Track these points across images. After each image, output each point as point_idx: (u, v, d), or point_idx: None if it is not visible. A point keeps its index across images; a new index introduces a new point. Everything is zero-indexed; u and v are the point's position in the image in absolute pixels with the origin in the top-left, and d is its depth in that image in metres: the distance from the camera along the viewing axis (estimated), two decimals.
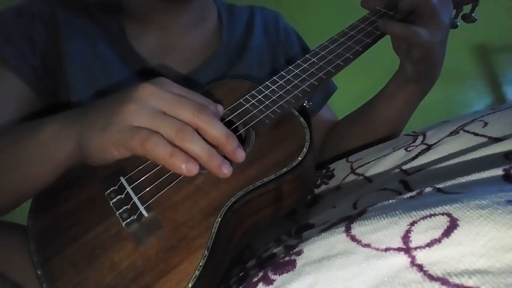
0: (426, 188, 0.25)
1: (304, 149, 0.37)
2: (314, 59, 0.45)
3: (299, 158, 0.36)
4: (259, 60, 0.56)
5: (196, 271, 0.31)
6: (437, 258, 0.18)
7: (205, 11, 0.57)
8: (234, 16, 0.60)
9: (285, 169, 0.36)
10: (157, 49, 0.52)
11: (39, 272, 0.33)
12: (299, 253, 0.24)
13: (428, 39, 0.41)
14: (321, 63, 0.44)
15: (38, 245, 0.34)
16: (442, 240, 0.19)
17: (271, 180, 0.35)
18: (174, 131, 0.31)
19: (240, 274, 0.30)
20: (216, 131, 0.32)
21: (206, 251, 0.31)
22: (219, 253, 0.33)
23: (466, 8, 0.50)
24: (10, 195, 0.37)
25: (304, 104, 0.44)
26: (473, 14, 0.49)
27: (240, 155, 0.33)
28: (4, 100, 0.45)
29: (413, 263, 0.19)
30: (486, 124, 0.32)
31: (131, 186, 0.36)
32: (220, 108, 0.36)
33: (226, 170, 0.32)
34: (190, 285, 0.30)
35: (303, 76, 0.43)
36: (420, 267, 0.19)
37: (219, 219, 0.33)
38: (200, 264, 0.31)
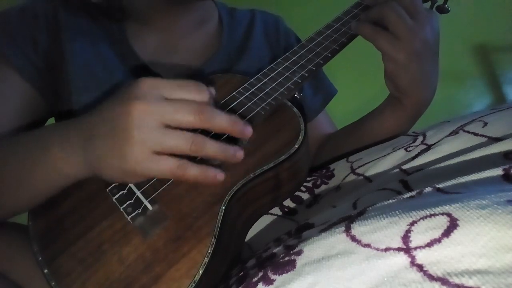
0: (426, 188, 0.25)
1: (300, 137, 0.39)
2: (302, 52, 0.47)
3: (296, 146, 0.38)
4: (258, 62, 0.56)
5: (206, 258, 0.32)
6: (437, 258, 0.18)
7: (206, 14, 0.57)
8: (235, 19, 0.60)
9: (283, 157, 0.37)
10: (157, 50, 0.52)
11: (45, 271, 0.33)
12: (299, 253, 0.24)
13: (390, 51, 0.41)
14: (309, 55, 0.46)
15: (42, 245, 0.34)
16: (442, 240, 0.19)
17: (270, 168, 0.37)
18: (188, 145, 0.31)
19: (240, 274, 0.30)
20: (221, 123, 0.33)
21: (213, 239, 0.32)
22: (225, 241, 0.34)
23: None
24: (8, 209, 0.38)
25: (295, 95, 0.45)
26: (446, 5, 0.50)
27: (248, 131, 0.34)
28: (8, 99, 0.45)
29: (413, 263, 0.19)
30: (486, 124, 0.32)
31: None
32: (211, 90, 0.35)
33: (240, 155, 0.34)
34: (200, 272, 0.31)
35: (294, 68, 0.45)
36: (420, 267, 0.19)
37: (223, 208, 0.34)
38: (209, 251, 0.32)
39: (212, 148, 0.32)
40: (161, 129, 0.31)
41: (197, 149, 0.32)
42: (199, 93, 0.33)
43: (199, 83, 0.34)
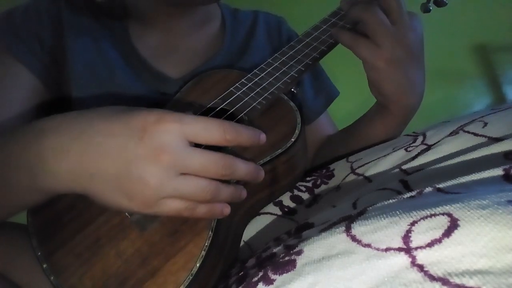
0: (426, 188, 0.25)
1: (297, 131, 0.39)
2: (299, 46, 0.47)
3: (292, 139, 0.39)
4: (260, 62, 0.57)
5: (203, 252, 0.32)
6: (437, 258, 0.18)
7: (209, 14, 0.57)
8: (238, 20, 0.61)
9: (279, 150, 0.38)
10: (159, 50, 0.52)
11: (44, 266, 0.33)
12: (299, 252, 0.24)
13: (370, 59, 0.40)
14: (306, 50, 0.46)
15: (41, 240, 0.35)
16: (442, 240, 0.19)
17: (267, 162, 0.37)
18: (203, 195, 0.30)
19: (240, 274, 0.30)
20: (240, 175, 0.32)
21: (210, 232, 0.33)
22: (222, 235, 0.35)
23: None
24: None
25: (292, 89, 0.45)
26: None
27: (261, 176, 0.35)
28: (16, 92, 0.47)
29: (413, 263, 0.19)
30: (486, 124, 0.32)
31: None
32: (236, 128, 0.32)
33: (244, 195, 0.34)
34: (197, 265, 0.31)
35: (291, 63, 0.45)
36: (420, 267, 0.19)
37: None
38: (206, 244, 0.32)
39: (224, 195, 0.32)
40: (179, 177, 0.29)
41: (212, 198, 0.31)
42: (225, 134, 0.31)
43: (224, 122, 0.31)
